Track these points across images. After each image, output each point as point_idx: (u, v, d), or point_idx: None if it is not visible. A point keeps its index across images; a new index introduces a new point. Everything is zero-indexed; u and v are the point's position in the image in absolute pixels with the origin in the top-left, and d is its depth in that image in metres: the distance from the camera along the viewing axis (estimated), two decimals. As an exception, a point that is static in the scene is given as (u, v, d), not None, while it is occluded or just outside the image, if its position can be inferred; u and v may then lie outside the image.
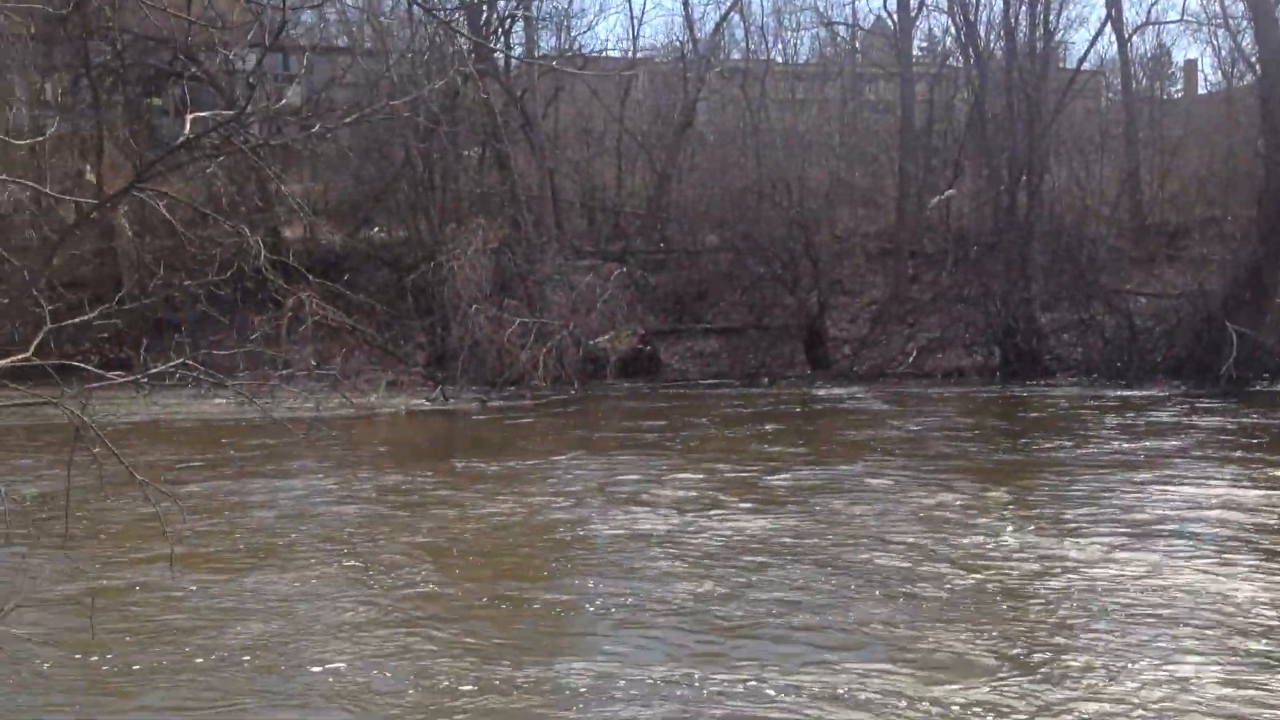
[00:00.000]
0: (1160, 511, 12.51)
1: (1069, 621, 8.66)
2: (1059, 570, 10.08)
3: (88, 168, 33.98)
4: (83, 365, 7.35)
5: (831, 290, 32.25)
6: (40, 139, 17.05)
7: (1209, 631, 8.32)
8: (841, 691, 7.24)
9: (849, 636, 8.35)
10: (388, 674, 7.69)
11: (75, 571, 7.74)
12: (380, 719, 7.00)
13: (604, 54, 45.21)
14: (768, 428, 20.27)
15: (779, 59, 46.35)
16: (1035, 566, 10.18)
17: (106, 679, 7.64)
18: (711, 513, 12.66)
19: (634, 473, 15.56)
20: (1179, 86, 49.73)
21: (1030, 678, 7.50)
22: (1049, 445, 17.99)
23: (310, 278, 14.13)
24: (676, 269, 34.74)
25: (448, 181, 33.06)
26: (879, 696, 7.17)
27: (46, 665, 7.86)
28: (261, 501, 13.77)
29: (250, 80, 28.04)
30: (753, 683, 7.43)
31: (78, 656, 7.99)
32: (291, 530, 12.09)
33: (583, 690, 7.34)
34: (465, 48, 32.92)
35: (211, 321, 24.17)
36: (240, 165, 29.44)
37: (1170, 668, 7.59)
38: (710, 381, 29.23)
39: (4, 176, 9.20)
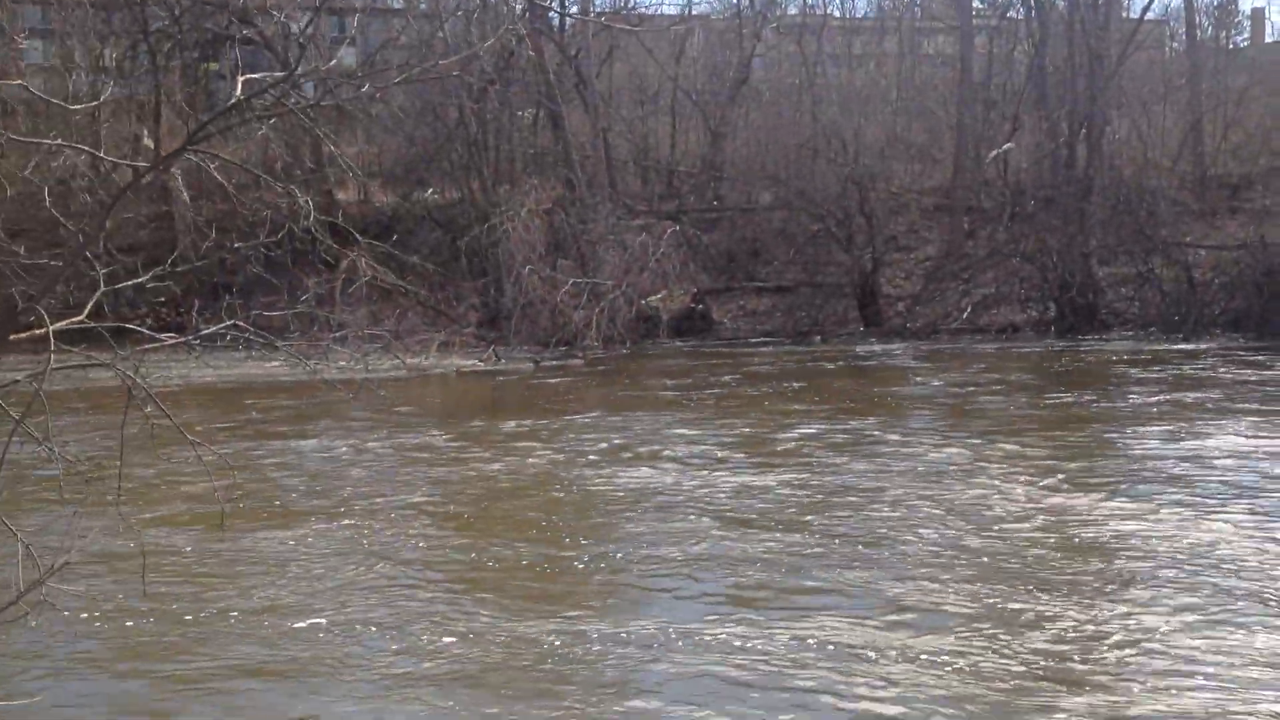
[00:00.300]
0: (1192, 467, 12.41)
1: (1055, 576, 8.64)
2: (1061, 523, 10.06)
3: (145, 132, 34.35)
4: (136, 328, 7.50)
5: (886, 247, 32.00)
6: (97, 104, 17.27)
7: (1206, 585, 8.29)
8: (816, 638, 7.32)
9: (833, 590, 8.43)
10: (412, 627, 7.83)
11: (125, 530, 7.92)
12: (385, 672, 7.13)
13: (659, 11, 45.08)
14: (806, 385, 20.23)
15: (836, 13, 46.02)
16: (1041, 520, 10.17)
17: (154, 637, 7.83)
18: (741, 469, 12.74)
19: (668, 430, 15.72)
20: (1245, 35, 48.69)
21: (1009, 628, 7.53)
22: (1091, 399, 17.94)
23: (360, 238, 14.20)
24: (730, 227, 34.61)
25: (501, 142, 33.14)
26: (856, 646, 7.24)
27: (96, 622, 8.07)
28: (311, 461, 13.98)
29: (301, 41, 28.18)
30: (754, 637, 7.49)
31: (125, 614, 8.18)
32: (338, 488, 12.28)
33: (576, 647, 7.43)
34: (519, 7, 32.94)
35: (264, 283, 24.49)
36: (294, 128, 29.65)
37: (1167, 618, 7.58)
38: (762, 340, 29.14)
39: (60, 141, 9.37)
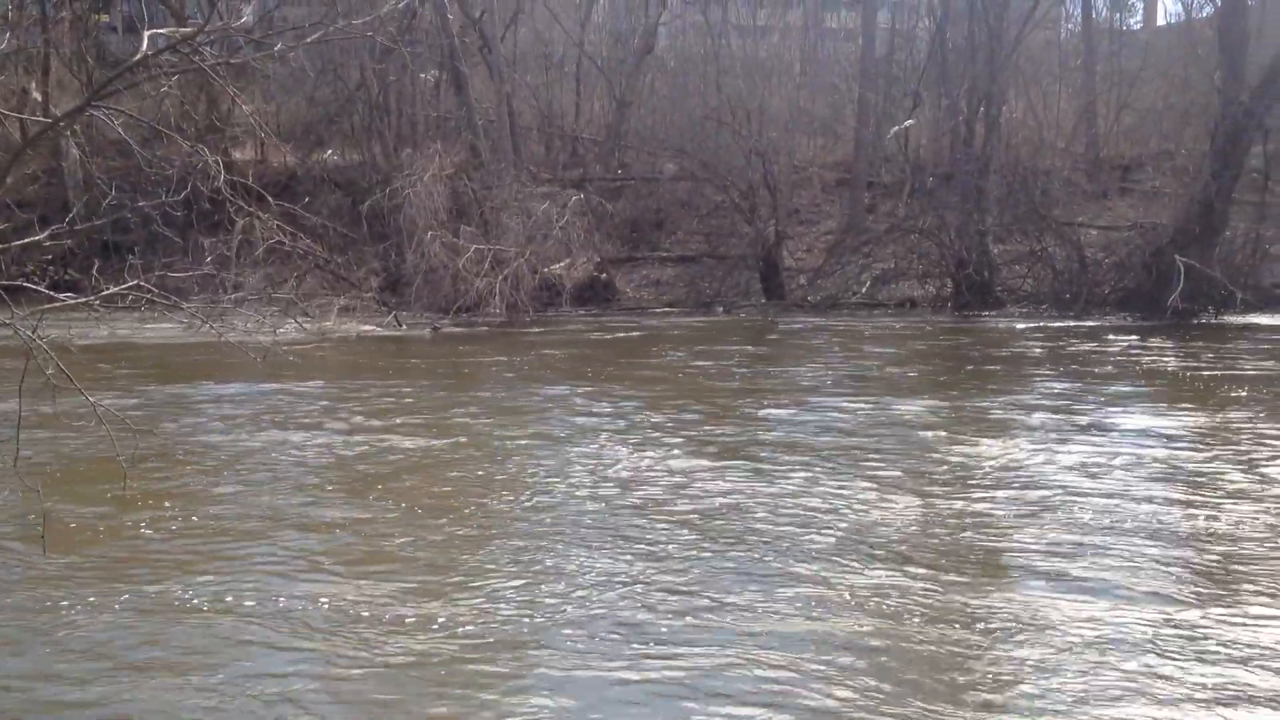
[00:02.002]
0: (1060, 434, 12.87)
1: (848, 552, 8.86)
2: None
3: (33, 85, 33.23)
4: (34, 287, 7.28)
5: (789, 220, 32.30)
6: (-13, 55, 16.66)
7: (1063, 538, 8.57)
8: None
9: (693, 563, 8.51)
10: (318, 600, 7.76)
11: (28, 494, 7.72)
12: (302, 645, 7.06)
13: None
14: (703, 355, 20.42)
15: (741, -16, 45.96)
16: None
17: (56, 604, 7.66)
18: (625, 440, 12.79)
19: (558, 398, 15.79)
20: (1139, 18, 49.94)
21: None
22: (971, 371, 18.48)
23: (271, 200, 13.94)
24: (634, 197, 34.64)
25: (403, 105, 32.66)
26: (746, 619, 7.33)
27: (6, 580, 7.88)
28: (211, 427, 13.73)
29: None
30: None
31: (31, 578, 8.00)
32: (237, 456, 12.08)
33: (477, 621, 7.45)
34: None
35: (161, 244, 23.86)
36: (190, 85, 28.93)
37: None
38: (665, 310, 29.25)
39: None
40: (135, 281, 7.51)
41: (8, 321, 6.20)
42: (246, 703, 6.24)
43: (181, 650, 6.89)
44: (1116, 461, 11.59)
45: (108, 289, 7.40)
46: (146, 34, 6.76)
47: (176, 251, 23.43)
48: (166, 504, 10.01)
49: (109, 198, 9.28)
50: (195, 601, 7.66)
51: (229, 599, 7.69)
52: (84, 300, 7.26)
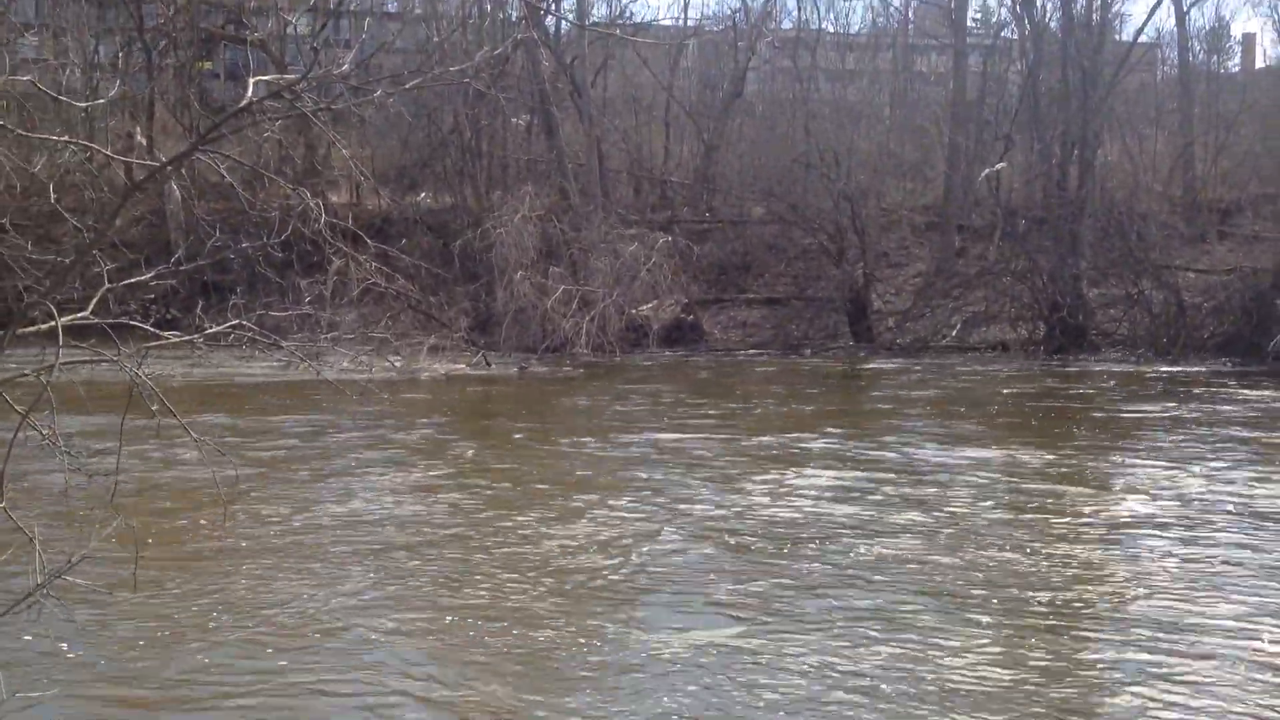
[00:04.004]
0: (1155, 487, 12.53)
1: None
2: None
3: (138, 130, 34.32)
4: (140, 325, 7.49)
5: (877, 263, 32.15)
6: (99, 101, 17.27)
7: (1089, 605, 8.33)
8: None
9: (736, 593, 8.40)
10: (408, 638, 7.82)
11: (129, 527, 7.94)
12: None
13: (655, 22, 45.13)
14: (793, 397, 20.37)
15: (830, 28, 46.13)
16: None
17: (151, 634, 7.83)
18: (717, 479, 12.74)
19: (645, 437, 15.89)
20: (1236, 60, 49.04)
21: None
22: (1067, 417, 18.17)
23: (368, 240, 14.25)
24: (722, 239, 34.75)
25: (495, 148, 33.17)
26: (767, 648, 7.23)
27: (94, 619, 8.07)
28: (310, 465, 13.96)
29: (314, 45, 28.17)
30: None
31: (122, 610, 8.18)
32: (334, 489, 12.27)
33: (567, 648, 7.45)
34: (515, 14, 32.98)
35: (260, 284, 24.45)
36: (289, 130, 29.63)
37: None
38: (752, 352, 29.21)
39: (68, 138, 9.36)
40: (237, 320, 7.67)
41: (114, 358, 6.37)
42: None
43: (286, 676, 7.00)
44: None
45: (210, 327, 7.58)
46: (251, 80, 6.93)
47: (275, 291, 23.96)
48: (266, 535, 10.19)
49: (211, 239, 9.53)
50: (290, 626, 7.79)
51: (325, 623, 7.81)
52: (187, 339, 7.43)
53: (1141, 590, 8.83)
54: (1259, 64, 47.72)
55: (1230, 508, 11.54)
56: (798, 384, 22.96)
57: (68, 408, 13.38)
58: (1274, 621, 8.00)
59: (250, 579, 9.07)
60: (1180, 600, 8.55)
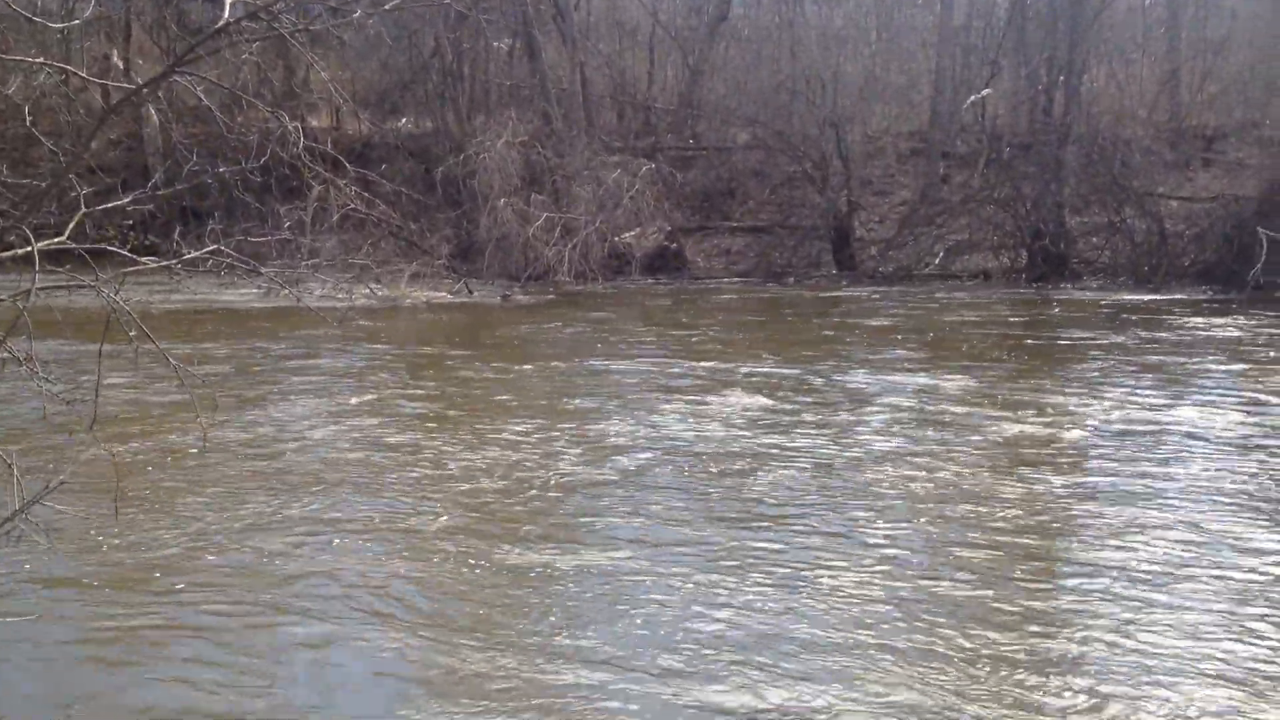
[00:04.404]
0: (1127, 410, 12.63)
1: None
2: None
3: (115, 52, 33.81)
4: (117, 249, 7.43)
5: (861, 190, 32.05)
6: (74, 22, 16.96)
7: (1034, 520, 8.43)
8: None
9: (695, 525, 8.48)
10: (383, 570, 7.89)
11: (106, 455, 7.94)
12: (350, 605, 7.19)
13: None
14: (773, 324, 20.42)
15: (816, -49, 45.42)
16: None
17: (126, 562, 7.87)
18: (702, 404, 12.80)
19: (579, 365, 15.94)
20: (1225, -15, 48.60)
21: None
22: (1014, 344, 18.32)
23: (348, 166, 14.12)
24: (706, 166, 34.54)
25: (477, 72, 32.80)
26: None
27: (75, 545, 8.09)
28: (287, 390, 13.96)
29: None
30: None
31: (102, 538, 8.20)
32: (315, 418, 12.28)
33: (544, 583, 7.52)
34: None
35: (239, 210, 24.22)
36: (268, 52, 29.23)
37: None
38: (735, 280, 29.18)
39: (44, 60, 9.21)
40: (215, 246, 7.63)
41: (91, 283, 6.34)
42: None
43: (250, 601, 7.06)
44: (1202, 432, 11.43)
45: (188, 253, 7.53)
46: (228, 1, 6.84)
47: (254, 217, 23.74)
48: (242, 463, 10.22)
49: (189, 163, 9.39)
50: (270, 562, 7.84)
51: (302, 553, 7.86)
52: (165, 264, 7.39)
53: (1027, 510, 8.98)
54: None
55: (1139, 429, 11.71)
56: (762, 311, 23.05)
57: (45, 334, 13.36)
58: (1154, 535, 8.11)
59: (226, 504, 9.11)
60: (1060, 521, 8.78)
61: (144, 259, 7.49)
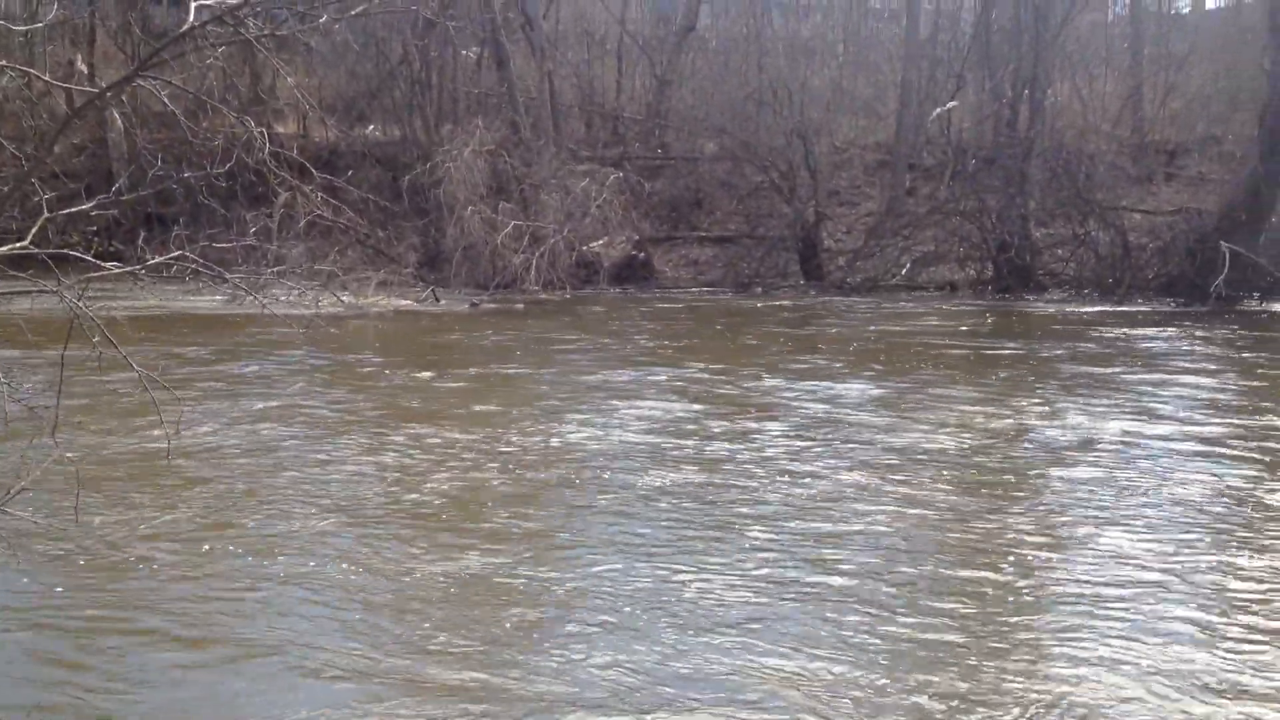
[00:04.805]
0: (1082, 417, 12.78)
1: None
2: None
3: (79, 57, 33.54)
4: (81, 255, 7.36)
5: (828, 201, 32.17)
6: (37, 25, 16.82)
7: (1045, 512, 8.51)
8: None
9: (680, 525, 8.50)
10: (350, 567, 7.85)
11: (69, 460, 7.88)
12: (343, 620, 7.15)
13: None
14: (745, 333, 20.47)
15: (783, -38, 45.68)
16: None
17: (94, 563, 7.80)
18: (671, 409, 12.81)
19: (597, 375, 15.90)
20: (1187, 1, 49.21)
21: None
22: (1004, 351, 18.59)
23: (314, 172, 14.06)
24: (673, 176, 34.59)
25: (445, 81, 32.70)
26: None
27: (43, 548, 8.01)
28: (250, 396, 13.86)
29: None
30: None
31: (68, 544, 8.13)
32: (282, 424, 12.20)
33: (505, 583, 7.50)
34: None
35: (205, 216, 24.09)
36: (234, 58, 29.10)
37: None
38: (703, 289, 29.22)
39: (4, 63, 9.11)
40: (180, 252, 7.57)
41: (54, 289, 6.27)
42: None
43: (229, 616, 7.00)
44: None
45: (153, 259, 7.47)
46: (193, 5, 6.80)
47: (220, 224, 23.64)
48: (208, 472, 10.14)
49: (154, 169, 9.35)
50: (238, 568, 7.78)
51: (273, 567, 7.81)
52: (129, 270, 7.33)
53: (920, 514, 9.17)
54: (1210, 4, 47.97)
55: (1021, 438, 11.96)
56: (710, 321, 23.08)
57: (7, 339, 13.18)
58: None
59: (191, 508, 9.05)
60: (926, 524, 8.99)
61: (108, 264, 7.43)
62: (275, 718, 5.81)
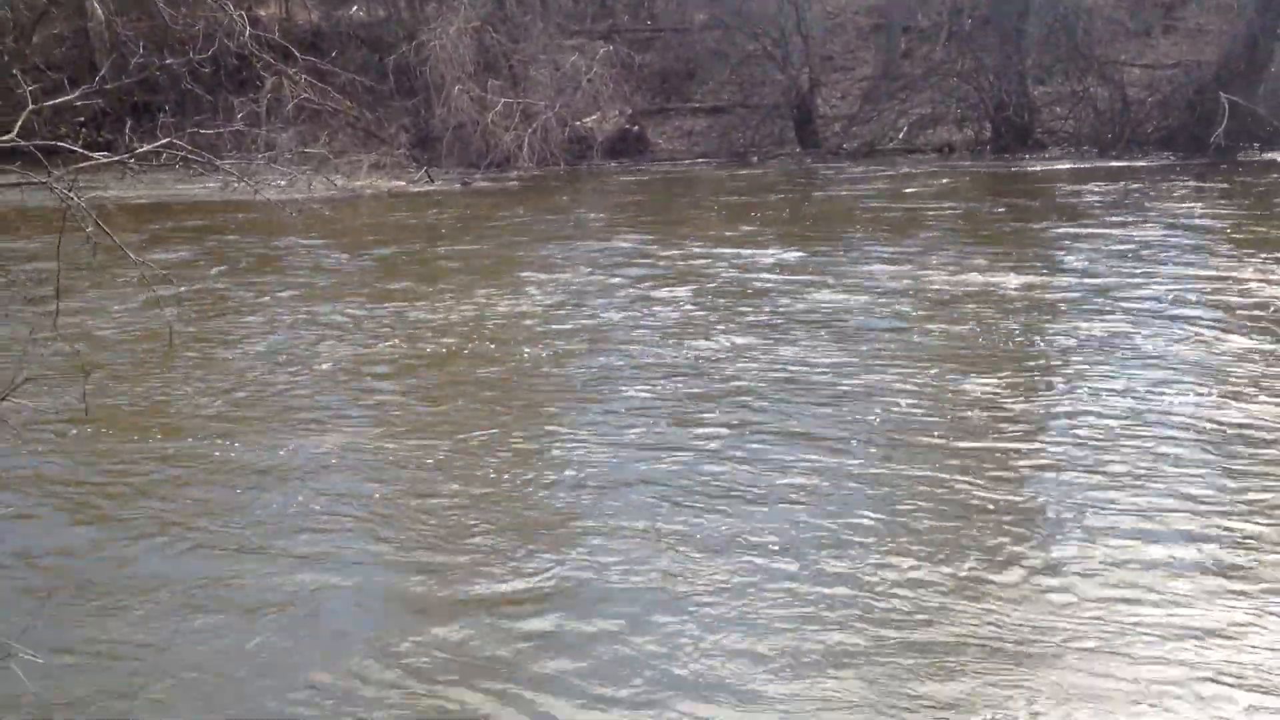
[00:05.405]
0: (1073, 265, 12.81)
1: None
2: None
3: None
4: (69, 146, 7.28)
5: (822, 67, 31.68)
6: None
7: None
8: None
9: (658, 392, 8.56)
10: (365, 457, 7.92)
11: (72, 349, 7.90)
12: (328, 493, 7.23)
13: None
14: (729, 205, 20.35)
15: None
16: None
17: (100, 453, 7.87)
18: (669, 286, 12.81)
19: (587, 253, 15.86)
20: None
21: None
22: (950, 211, 18.67)
23: (298, 56, 13.82)
24: (664, 47, 33.97)
25: (428, -46, 31.94)
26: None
27: (52, 436, 8.09)
28: (247, 282, 13.84)
29: None
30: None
31: (74, 430, 8.19)
32: (280, 310, 12.20)
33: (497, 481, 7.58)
34: None
35: (191, 103, 23.75)
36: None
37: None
38: (698, 160, 28.97)
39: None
40: (168, 139, 7.49)
41: (44, 180, 6.21)
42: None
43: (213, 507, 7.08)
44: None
45: (141, 148, 7.39)
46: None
47: (207, 111, 23.32)
48: (210, 360, 10.16)
49: (136, 56, 9.16)
50: (234, 458, 7.84)
51: (265, 456, 7.87)
52: (118, 159, 7.25)
53: (785, 371, 9.38)
54: None
55: (919, 294, 12.16)
56: (686, 192, 23.05)
57: (9, 234, 13.11)
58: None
59: (194, 391, 9.10)
60: (855, 372, 9.30)
61: (96, 154, 7.35)
62: (285, 599, 5.93)
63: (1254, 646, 5.07)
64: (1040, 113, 28.55)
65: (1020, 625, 5.30)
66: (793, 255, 14.79)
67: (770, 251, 15.02)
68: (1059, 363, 9.49)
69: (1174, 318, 10.79)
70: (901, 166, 25.88)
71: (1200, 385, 8.74)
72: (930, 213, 18.52)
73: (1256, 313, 10.92)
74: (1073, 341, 10.08)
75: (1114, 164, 24.47)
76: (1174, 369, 9.14)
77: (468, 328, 11.12)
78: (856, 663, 5.03)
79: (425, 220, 19.61)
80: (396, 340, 10.78)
